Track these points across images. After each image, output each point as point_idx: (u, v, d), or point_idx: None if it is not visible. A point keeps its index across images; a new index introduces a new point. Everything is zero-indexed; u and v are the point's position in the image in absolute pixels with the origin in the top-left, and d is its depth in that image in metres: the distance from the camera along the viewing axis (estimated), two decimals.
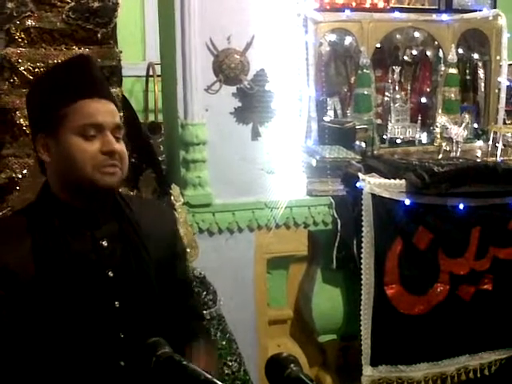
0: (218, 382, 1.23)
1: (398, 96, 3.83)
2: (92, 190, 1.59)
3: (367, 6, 3.79)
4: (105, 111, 1.60)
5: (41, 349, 1.54)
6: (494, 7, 4.00)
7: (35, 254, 1.55)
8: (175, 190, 2.81)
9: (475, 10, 3.91)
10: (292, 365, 1.35)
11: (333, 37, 3.70)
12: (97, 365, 1.58)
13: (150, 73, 5.12)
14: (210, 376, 1.21)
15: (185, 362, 1.26)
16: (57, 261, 1.56)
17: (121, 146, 1.62)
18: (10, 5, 2.86)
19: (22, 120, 2.88)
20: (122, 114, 2.92)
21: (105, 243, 1.63)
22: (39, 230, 1.58)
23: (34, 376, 1.55)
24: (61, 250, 1.57)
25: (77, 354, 1.55)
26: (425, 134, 3.84)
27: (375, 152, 3.53)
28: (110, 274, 1.62)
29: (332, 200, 3.06)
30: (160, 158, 3.41)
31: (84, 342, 1.56)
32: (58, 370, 1.55)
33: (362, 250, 3.01)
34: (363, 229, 3.00)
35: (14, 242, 1.57)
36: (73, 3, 2.93)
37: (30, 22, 2.91)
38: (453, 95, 3.79)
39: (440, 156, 3.62)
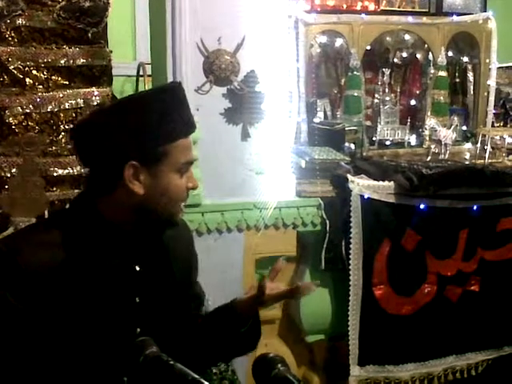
0: (204, 381, 1.24)
1: (387, 98, 3.85)
2: (164, 222, 1.61)
3: (358, 8, 3.81)
4: (191, 147, 1.61)
5: (54, 367, 1.51)
6: (484, 11, 4.02)
7: (66, 268, 1.50)
8: None
9: (465, 14, 3.93)
10: (279, 365, 1.37)
11: (323, 39, 3.71)
12: None
13: (141, 73, 5.11)
14: (197, 376, 1.22)
15: (172, 362, 1.27)
16: (87, 280, 1.52)
17: None
18: (0, 3, 2.85)
19: (11, 119, 2.88)
20: None
21: (137, 268, 1.60)
22: (75, 245, 1.53)
23: None
24: (94, 270, 1.53)
25: (92, 375, 1.52)
26: (414, 136, 3.86)
27: (364, 154, 3.55)
28: (137, 299, 1.60)
29: (321, 201, 3.07)
30: None
31: (100, 364, 1.53)
32: None
33: (351, 251, 3.02)
34: (352, 230, 3.01)
35: (46, 251, 1.51)
36: (64, 2, 2.93)
37: (20, 21, 2.91)
38: (442, 98, 3.82)
39: (429, 158, 3.64)
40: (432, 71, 3.86)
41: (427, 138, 3.76)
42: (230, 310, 1.75)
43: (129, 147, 1.53)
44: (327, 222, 3.05)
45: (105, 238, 1.56)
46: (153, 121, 1.53)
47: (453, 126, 3.72)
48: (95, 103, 2.99)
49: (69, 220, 1.59)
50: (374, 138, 3.75)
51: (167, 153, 1.54)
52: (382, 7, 3.86)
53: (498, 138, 3.78)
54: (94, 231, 1.56)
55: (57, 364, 1.51)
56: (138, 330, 1.58)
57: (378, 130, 3.75)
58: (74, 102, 2.98)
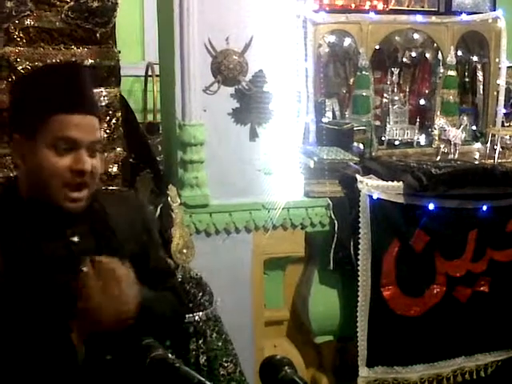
0: None
1: (396, 98, 3.83)
2: (52, 207, 1.58)
3: (366, 7, 3.80)
4: (84, 127, 1.56)
5: (7, 352, 1.52)
6: (494, 10, 4.00)
7: (5, 256, 1.52)
8: (172, 190, 2.81)
9: (475, 13, 3.91)
10: (286, 367, 1.36)
11: (332, 38, 3.70)
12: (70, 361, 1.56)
13: (150, 73, 5.11)
14: (202, 378, 1.22)
15: (178, 365, 1.27)
16: (28, 262, 1.54)
17: (95, 162, 1.60)
18: (9, 4, 2.85)
19: None
20: (119, 113, 2.94)
21: (76, 239, 1.60)
22: (8, 232, 1.55)
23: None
24: (32, 251, 1.55)
25: (47, 351, 1.53)
26: (423, 135, 3.83)
27: (373, 154, 3.53)
28: (85, 269, 1.58)
29: (329, 201, 3.06)
30: (158, 158, 3.41)
31: (55, 338, 1.54)
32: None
33: (359, 252, 3.01)
34: (360, 230, 3.00)
35: None
36: (72, 3, 2.92)
37: (28, 22, 2.91)
38: (451, 97, 3.79)
39: (438, 158, 3.62)
40: (441, 70, 3.84)
41: (436, 138, 3.74)
42: None
43: (13, 120, 1.61)
44: (336, 222, 3.04)
45: (32, 218, 1.58)
46: (35, 90, 1.57)
47: (462, 126, 3.70)
48: (103, 104, 2.98)
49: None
50: (382, 138, 3.73)
51: (43, 126, 1.54)
52: (390, 6, 3.85)
53: (507, 137, 3.76)
54: (20, 215, 1.58)
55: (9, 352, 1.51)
56: None
57: (387, 129, 3.74)
58: None
